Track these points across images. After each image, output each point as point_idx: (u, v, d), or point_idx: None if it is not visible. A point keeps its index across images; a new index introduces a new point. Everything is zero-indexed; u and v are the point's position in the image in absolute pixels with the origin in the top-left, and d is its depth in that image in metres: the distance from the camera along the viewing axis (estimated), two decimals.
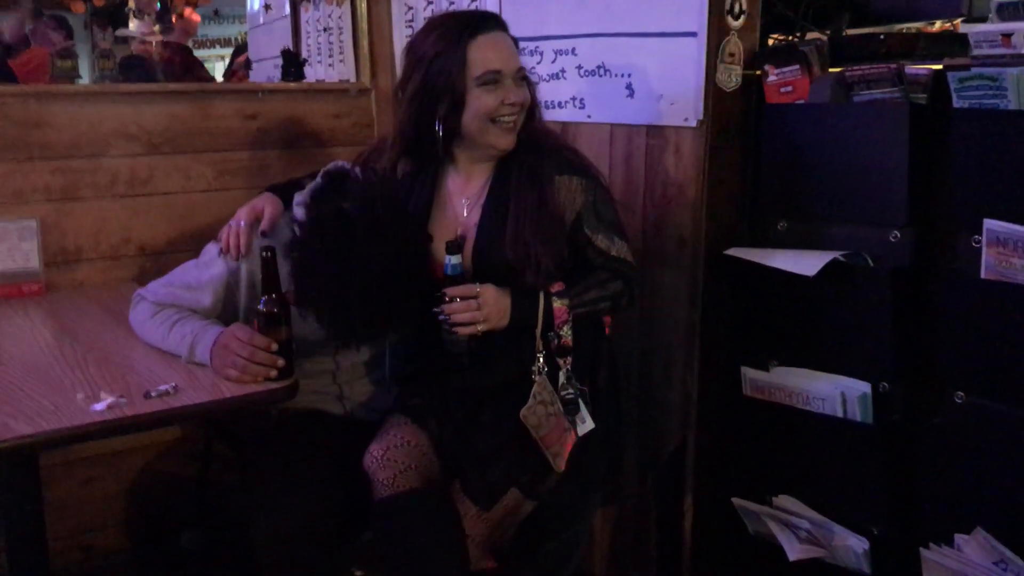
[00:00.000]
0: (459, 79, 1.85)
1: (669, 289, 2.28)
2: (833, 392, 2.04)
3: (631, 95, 2.30)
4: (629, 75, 2.30)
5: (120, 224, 2.70)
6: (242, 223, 2.02)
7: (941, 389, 1.92)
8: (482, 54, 1.85)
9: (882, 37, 2.10)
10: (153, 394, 1.74)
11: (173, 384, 1.78)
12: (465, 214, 1.98)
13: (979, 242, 1.80)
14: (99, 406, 1.68)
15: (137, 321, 2.05)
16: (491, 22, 1.91)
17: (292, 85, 3.14)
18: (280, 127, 2.93)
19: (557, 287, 1.91)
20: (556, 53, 2.47)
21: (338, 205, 1.82)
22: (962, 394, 1.88)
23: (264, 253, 1.83)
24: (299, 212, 1.97)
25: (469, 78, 1.85)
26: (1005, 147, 1.76)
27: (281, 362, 1.81)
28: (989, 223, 1.78)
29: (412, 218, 1.91)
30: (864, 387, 2.02)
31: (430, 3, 2.88)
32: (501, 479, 1.88)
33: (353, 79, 3.16)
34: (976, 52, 1.90)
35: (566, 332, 1.93)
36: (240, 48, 6.07)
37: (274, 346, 1.81)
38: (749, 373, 2.18)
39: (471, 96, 1.86)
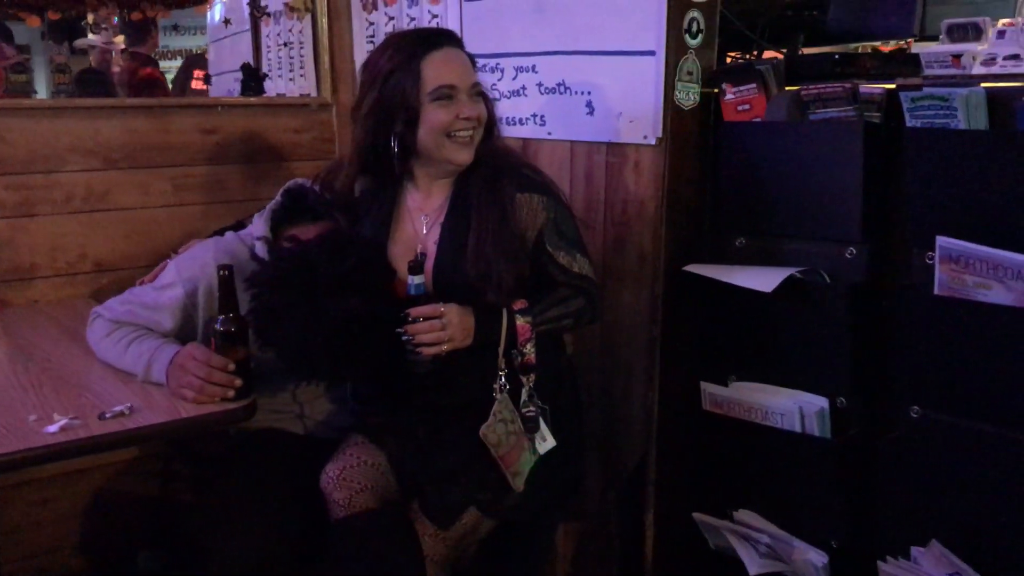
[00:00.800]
0: (413, 95, 1.86)
1: (629, 305, 2.29)
2: (791, 407, 2.06)
3: (591, 112, 2.31)
4: (589, 93, 2.32)
5: (76, 240, 2.66)
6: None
7: (897, 404, 1.94)
8: (435, 70, 1.86)
9: (837, 56, 2.13)
10: (108, 415, 1.71)
11: (128, 405, 1.75)
12: (425, 231, 1.97)
13: (932, 259, 1.83)
14: (52, 428, 1.65)
15: (94, 339, 2.02)
16: (445, 38, 1.92)
17: (252, 100, 3.12)
18: (240, 142, 2.91)
19: (520, 305, 1.91)
20: (517, 70, 2.48)
21: (303, 251, 1.82)
22: (917, 408, 1.90)
23: (221, 272, 1.81)
24: (260, 248, 1.96)
25: (423, 94, 1.86)
26: (955, 166, 1.79)
27: (238, 382, 1.79)
28: (941, 240, 1.81)
29: (378, 264, 1.90)
30: (822, 402, 2.04)
31: (391, 19, 2.89)
32: (460, 498, 1.87)
33: (314, 94, 3.15)
34: (928, 72, 1.94)
35: (529, 350, 1.93)
36: (192, 61, 6.00)
37: (231, 366, 1.79)
38: (708, 388, 2.19)
39: (425, 112, 1.87)
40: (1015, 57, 1.85)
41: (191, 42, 9.04)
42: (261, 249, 2.00)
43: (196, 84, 4.90)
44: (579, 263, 1.98)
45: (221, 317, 1.81)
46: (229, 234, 2.13)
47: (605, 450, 2.40)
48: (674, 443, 2.30)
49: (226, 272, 1.81)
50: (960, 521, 1.87)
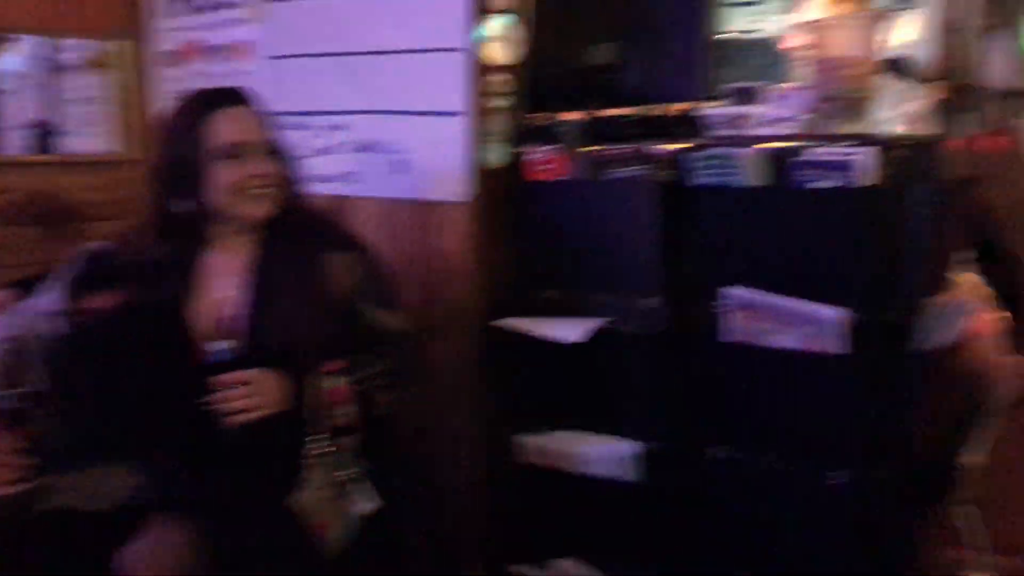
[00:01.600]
0: (200, 154, 1.84)
1: (446, 362, 2.30)
2: (605, 454, 2.12)
3: (401, 171, 2.34)
4: (399, 152, 2.35)
5: None
6: None
7: (701, 446, 2.04)
8: (222, 127, 1.85)
9: (633, 118, 2.25)
10: None
11: None
12: (229, 294, 1.92)
13: (724, 307, 1.95)
14: None
15: None
16: (233, 97, 1.92)
17: (47, 157, 2.96)
18: (35, 202, 2.75)
19: (334, 365, 1.88)
20: (327, 128, 2.48)
21: (100, 324, 1.74)
22: (720, 449, 2.01)
23: (5, 347, 1.70)
24: (53, 322, 1.85)
25: (210, 152, 1.84)
26: (739, 220, 1.93)
27: (25, 462, 1.68)
28: (731, 290, 1.93)
29: (180, 332, 1.84)
30: (634, 447, 2.10)
31: (196, 76, 2.82)
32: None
33: (115, 151, 3.02)
34: (712, 133, 2.08)
35: (345, 411, 1.90)
36: None
37: (18, 446, 1.68)
38: (526, 440, 2.23)
39: (213, 170, 1.85)
40: (788, 119, 2.02)
41: None
42: (55, 323, 1.89)
43: None
44: (393, 320, 1.98)
45: (5, 395, 1.69)
46: (19, 306, 1.99)
47: (427, 508, 2.38)
48: (495, 497, 2.31)
49: (11, 347, 1.70)
50: (762, 556, 1.97)
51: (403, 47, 2.31)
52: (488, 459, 2.29)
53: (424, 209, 2.30)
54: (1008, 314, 2.10)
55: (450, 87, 2.20)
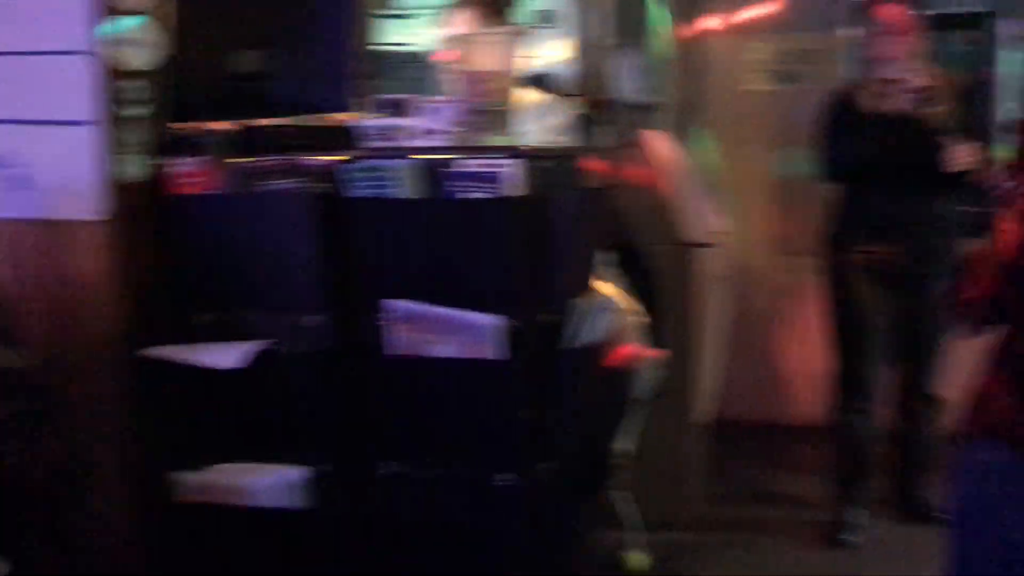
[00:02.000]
0: None
1: (87, 399, 2.08)
2: (271, 483, 2.03)
3: (24, 187, 2.09)
4: (22, 165, 2.10)
5: None
6: None
7: (372, 463, 2.01)
8: None
9: (286, 129, 2.18)
10: None
11: None
12: None
13: (386, 320, 1.93)
14: None
15: None
16: None
17: None
18: None
19: None
20: None
21: None
22: (389, 465, 1.99)
23: None
24: None
25: None
26: (395, 232, 1.93)
27: None
28: (392, 303, 1.93)
29: None
30: (304, 473, 2.03)
31: None
32: None
33: None
34: (367, 144, 2.06)
35: None
36: None
37: None
38: (182, 477, 2.07)
39: None
40: (440, 131, 2.05)
41: None
42: None
43: None
44: (12, 358, 1.77)
45: None
46: None
47: (74, 565, 2.14)
48: (157, 543, 2.12)
49: None
50: (444, 564, 1.99)
51: (17, 48, 2.06)
52: (144, 503, 2.10)
53: (52, 229, 2.07)
54: (645, 310, 2.30)
55: (75, 93, 2.00)
